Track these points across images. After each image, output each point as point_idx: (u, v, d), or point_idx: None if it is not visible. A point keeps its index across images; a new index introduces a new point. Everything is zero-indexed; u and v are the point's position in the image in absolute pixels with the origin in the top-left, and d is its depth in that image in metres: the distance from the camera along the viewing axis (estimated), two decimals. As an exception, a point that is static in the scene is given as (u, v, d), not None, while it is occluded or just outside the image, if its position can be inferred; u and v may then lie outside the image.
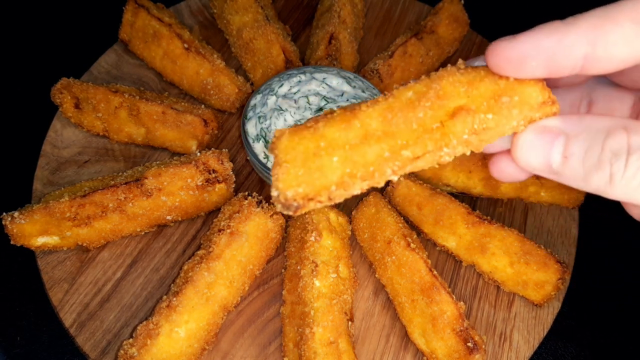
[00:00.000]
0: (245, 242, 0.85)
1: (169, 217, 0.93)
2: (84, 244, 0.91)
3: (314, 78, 1.01)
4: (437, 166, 0.54)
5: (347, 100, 0.98)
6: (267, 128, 0.96)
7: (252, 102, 1.01)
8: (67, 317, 0.87)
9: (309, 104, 0.97)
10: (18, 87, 1.21)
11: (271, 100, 0.99)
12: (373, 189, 1.03)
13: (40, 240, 0.89)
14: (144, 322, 0.79)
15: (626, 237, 1.08)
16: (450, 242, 0.93)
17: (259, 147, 0.96)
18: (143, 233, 0.95)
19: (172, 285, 0.86)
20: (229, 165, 0.94)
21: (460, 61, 0.55)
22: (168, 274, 0.92)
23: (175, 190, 0.91)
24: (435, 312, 0.81)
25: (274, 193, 0.52)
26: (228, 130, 1.10)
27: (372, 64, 1.11)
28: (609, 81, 0.62)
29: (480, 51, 1.26)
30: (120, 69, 1.16)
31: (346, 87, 1.01)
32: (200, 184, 0.91)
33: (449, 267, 0.96)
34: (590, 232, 1.03)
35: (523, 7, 1.48)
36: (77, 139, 1.06)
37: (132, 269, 0.92)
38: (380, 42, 1.26)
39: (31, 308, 0.93)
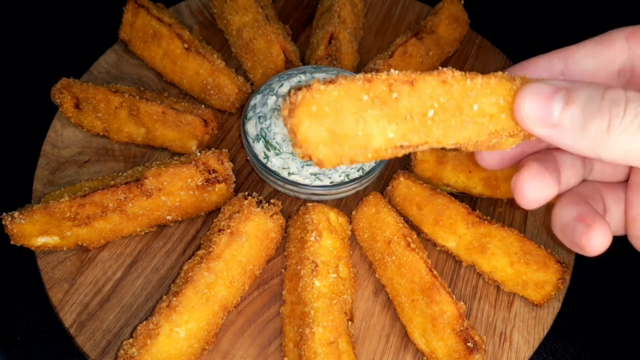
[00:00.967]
0: (245, 242, 0.85)
1: (169, 217, 0.93)
2: (84, 244, 0.91)
3: (314, 78, 1.01)
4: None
5: None
6: (267, 128, 0.96)
7: (252, 102, 1.01)
8: (67, 317, 0.87)
9: None
10: (18, 87, 1.21)
11: (271, 100, 0.99)
12: (373, 189, 1.03)
13: (40, 240, 0.89)
14: (144, 322, 0.79)
15: (626, 237, 1.08)
16: (450, 242, 0.93)
17: (259, 147, 0.96)
18: (143, 233, 0.95)
19: (172, 285, 0.86)
20: (229, 165, 0.94)
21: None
22: (168, 274, 0.92)
23: (175, 190, 0.91)
24: (435, 312, 0.81)
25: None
26: (228, 130, 1.10)
27: (372, 64, 1.11)
28: None
29: (481, 51, 1.26)
30: (120, 69, 1.16)
31: None
32: (200, 184, 0.91)
33: (449, 267, 0.96)
34: (590, 232, 1.03)
35: (523, 7, 1.48)
36: (77, 139, 1.06)
37: (132, 269, 0.92)
38: (380, 42, 1.26)
39: (31, 308, 0.93)
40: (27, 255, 0.93)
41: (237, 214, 0.86)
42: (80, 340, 0.85)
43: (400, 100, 0.54)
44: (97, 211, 0.88)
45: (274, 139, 0.95)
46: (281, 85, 1.01)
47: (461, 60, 1.24)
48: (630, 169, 0.63)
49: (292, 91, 0.52)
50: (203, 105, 1.06)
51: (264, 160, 0.95)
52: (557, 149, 0.64)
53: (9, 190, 1.03)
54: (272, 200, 0.90)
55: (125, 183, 0.89)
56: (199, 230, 0.97)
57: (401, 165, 1.08)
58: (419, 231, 0.96)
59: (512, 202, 1.03)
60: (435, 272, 0.84)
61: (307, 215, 0.88)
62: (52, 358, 0.89)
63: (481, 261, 0.91)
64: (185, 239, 0.96)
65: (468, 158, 0.97)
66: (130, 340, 0.78)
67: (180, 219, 0.95)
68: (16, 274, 0.96)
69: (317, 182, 0.94)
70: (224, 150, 0.94)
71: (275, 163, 0.95)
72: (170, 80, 1.12)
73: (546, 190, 0.61)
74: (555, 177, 0.62)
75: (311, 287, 0.81)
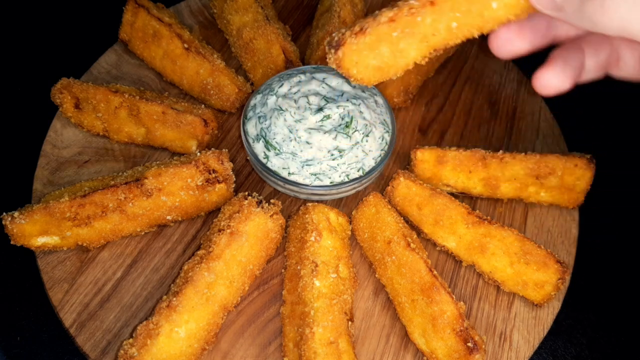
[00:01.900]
0: (245, 242, 0.85)
1: (169, 217, 0.93)
2: (84, 244, 0.91)
3: (314, 78, 1.01)
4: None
5: (347, 99, 0.98)
6: (267, 128, 0.96)
7: (252, 102, 1.01)
8: (67, 317, 0.87)
9: (309, 104, 0.97)
10: (18, 87, 1.22)
11: (271, 100, 0.99)
12: (373, 189, 1.03)
13: (40, 240, 0.89)
14: (144, 322, 0.79)
15: (626, 237, 1.08)
16: (450, 242, 0.93)
17: (259, 147, 0.96)
18: (143, 233, 0.95)
19: (172, 285, 0.86)
20: (229, 165, 0.94)
21: None
22: (168, 274, 0.92)
23: (175, 190, 0.91)
24: (435, 312, 0.81)
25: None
26: (228, 130, 1.10)
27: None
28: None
29: (480, 51, 1.26)
30: (120, 69, 1.16)
31: (346, 87, 1.01)
32: (200, 184, 0.91)
33: (449, 267, 0.96)
34: (590, 232, 1.03)
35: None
36: (77, 139, 1.06)
37: (132, 269, 0.92)
38: (380, 42, 1.26)
39: (31, 308, 0.93)
40: (27, 255, 0.93)
41: (237, 214, 0.86)
42: (80, 340, 0.85)
43: (425, 21, 0.64)
44: (97, 211, 0.88)
45: (274, 139, 0.95)
46: (281, 85, 1.01)
47: (461, 60, 1.24)
48: None
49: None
50: (203, 105, 1.06)
51: (264, 160, 0.95)
52: (585, 40, 0.69)
53: (9, 190, 1.03)
54: (272, 200, 0.90)
55: (125, 183, 0.89)
56: (199, 230, 0.97)
57: (401, 165, 1.08)
58: (419, 231, 0.96)
59: (511, 201, 1.04)
60: (435, 272, 0.84)
61: (307, 215, 0.88)
62: (52, 358, 0.89)
63: (481, 261, 0.91)
64: (185, 239, 0.96)
65: (468, 158, 0.97)
66: (130, 340, 0.78)
67: (180, 219, 0.95)
68: (16, 274, 0.96)
69: (317, 182, 0.94)
70: (224, 150, 0.94)
71: (275, 163, 0.95)
72: (170, 80, 1.12)
73: (563, 83, 0.66)
74: (572, 73, 0.66)
75: (311, 287, 0.81)
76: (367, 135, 0.96)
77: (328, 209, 0.90)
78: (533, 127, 1.14)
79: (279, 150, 0.94)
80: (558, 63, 0.67)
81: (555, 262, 0.88)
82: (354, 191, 1.00)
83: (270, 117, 0.97)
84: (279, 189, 1.00)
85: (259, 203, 0.88)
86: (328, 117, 0.95)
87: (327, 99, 0.98)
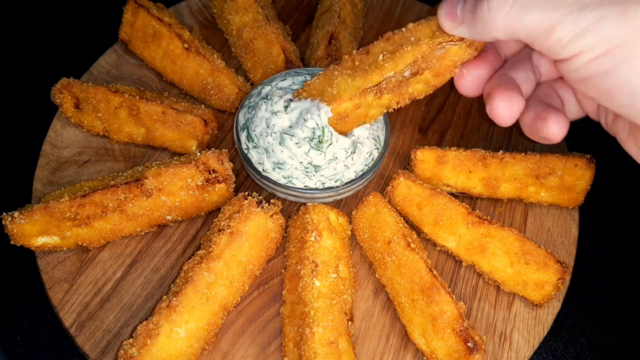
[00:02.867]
0: (245, 242, 0.85)
1: (169, 217, 0.93)
2: (84, 244, 0.91)
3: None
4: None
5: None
6: (251, 118, 0.95)
7: (252, 92, 1.01)
8: (67, 317, 0.87)
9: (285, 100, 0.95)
10: (18, 87, 1.22)
11: (265, 90, 0.98)
12: (373, 189, 1.03)
13: (40, 240, 0.89)
14: (144, 322, 0.79)
15: (626, 236, 1.08)
16: (450, 242, 0.93)
17: (243, 137, 0.96)
18: (143, 233, 0.95)
19: (172, 285, 0.86)
20: (229, 165, 0.94)
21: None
22: (168, 274, 0.92)
23: (175, 190, 0.91)
24: (435, 312, 0.81)
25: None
26: (228, 130, 1.10)
27: (372, 64, 1.11)
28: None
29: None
30: (120, 69, 1.16)
31: None
32: (200, 184, 0.91)
33: (449, 267, 0.96)
34: (590, 232, 1.03)
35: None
36: (77, 139, 1.06)
37: (132, 269, 0.92)
38: (380, 42, 1.26)
39: (31, 308, 0.93)
40: (27, 255, 0.93)
41: (237, 214, 0.86)
42: (80, 340, 0.85)
43: (362, 64, 0.86)
44: (97, 211, 0.88)
45: (254, 130, 0.94)
46: (284, 80, 1.00)
47: (461, 60, 1.24)
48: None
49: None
50: (203, 105, 1.06)
51: (245, 151, 0.95)
52: (509, 69, 0.82)
53: (9, 190, 1.03)
54: (272, 200, 0.90)
55: (125, 183, 0.89)
56: (199, 230, 0.97)
57: (401, 165, 1.08)
58: (419, 231, 0.96)
59: (511, 201, 1.04)
60: (435, 272, 0.84)
61: (307, 215, 0.88)
62: (52, 358, 0.89)
63: (481, 261, 0.91)
64: (185, 239, 0.96)
65: (468, 158, 0.97)
66: (130, 340, 0.78)
67: (180, 219, 0.95)
68: (16, 274, 0.96)
69: (290, 184, 0.93)
70: (224, 150, 0.94)
71: (253, 155, 0.94)
72: (170, 80, 1.12)
73: (516, 105, 0.76)
74: (519, 93, 0.77)
75: (311, 287, 0.81)
76: (354, 153, 0.93)
77: (328, 209, 0.90)
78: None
79: (256, 143, 0.94)
80: (501, 94, 0.76)
81: (555, 262, 0.88)
82: (353, 191, 1.00)
83: (255, 107, 0.96)
84: (258, 182, 0.99)
85: (259, 203, 0.88)
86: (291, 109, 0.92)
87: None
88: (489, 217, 0.92)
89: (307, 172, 0.92)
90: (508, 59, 0.86)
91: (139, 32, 1.12)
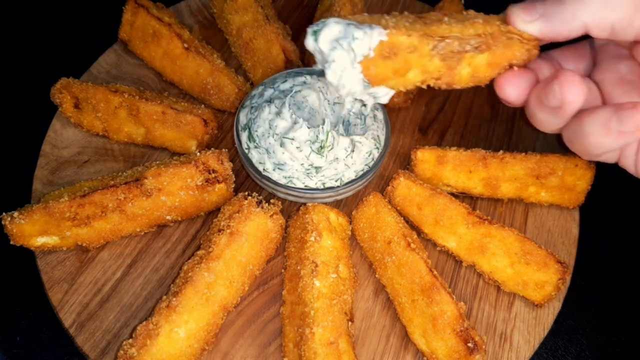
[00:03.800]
0: (245, 242, 0.85)
1: (168, 217, 0.93)
2: (84, 244, 0.91)
3: (319, 81, 1.00)
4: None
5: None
6: (253, 119, 0.96)
7: (253, 92, 1.01)
8: (67, 317, 0.87)
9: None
10: (18, 87, 1.21)
11: (268, 92, 0.99)
12: (373, 189, 1.03)
13: (40, 240, 0.89)
14: (144, 323, 0.79)
15: (626, 237, 1.08)
16: (450, 242, 0.93)
17: (244, 137, 0.96)
18: (143, 233, 0.95)
19: (171, 285, 0.86)
20: (228, 165, 0.94)
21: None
22: (168, 274, 0.92)
23: (175, 190, 0.90)
24: (436, 312, 0.81)
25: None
26: (228, 130, 1.10)
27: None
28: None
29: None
30: (120, 69, 1.15)
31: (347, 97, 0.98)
32: (200, 184, 0.91)
33: (449, 267, 0.96)
34: (590, 232, 1.03)
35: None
36: (76, 139, 1.06)
37: (131, 269, 0.92)
38: (380, 42, 1.25)
39: (31, 308, 0.93)
40: (27, 255, 0.93)
41: (237, 214, 0.86)
42: (80, 340, 0.85)
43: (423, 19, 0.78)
44: (96, 211, 0.88)
45: (256, 131, 0.94)
46: (284, 82, 1.00)
47: (461, 60, 1.24)
48: None
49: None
50: (203, 105, 1.06)
51: (246, 151, 0.95)
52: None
53: (9, 190, 1.03)
54: (272, 200, 0.90)
55: (125, 183, 0.89)
56: (198, 230, 0.97)
57: (401, 165, 1.08)
58: (419, 231, 0.95)
59: (512, 202, 1.03)
60: (435, 272, 0.84)
61: (307, 216, 0.88)
62: (52, 358, 0.89)
63: (481, 261, 0.91)
64: (185, 239, 0.96)
65: (468, 158, 0.97)
66: (130, 340, 0.78)
67: (180, 219, 0.95)
68: (16, 274, 0.96)
69: (290, 184, 0.93)
70: (223, 150, 0.94)
71: (254, 155, 0.94)
72: (170, 80, 1.12)
73: (521, 86, 0.77)
74: (528, 78, 0.77)
75: (311, 287, 0.81)
76: (353, 151, 0.93)
77: (328, 209, 0.90)
78: (533, 127, 1.14)
79: (257, 143, 0.94)
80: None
81: (556, 262, 0.88)
82: (353, 191, 1.00)
83: (258, 109, 0.96)
84: (258, 182, 0.99)
85: (259, 203, 0.88)
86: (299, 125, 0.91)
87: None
88: (489, 217, 0.92)
89: (308, 172, 0.92)
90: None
91: (138, 31, 1.11)
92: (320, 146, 0.90)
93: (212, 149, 0.95)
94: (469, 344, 0.79)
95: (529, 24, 0.75)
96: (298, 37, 1.25)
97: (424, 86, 0.79)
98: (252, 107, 0.98)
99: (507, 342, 0.89)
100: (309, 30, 0.78)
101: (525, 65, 0.79)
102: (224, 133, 1.09)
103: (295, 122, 0.91)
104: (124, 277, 0.92)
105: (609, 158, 0.79)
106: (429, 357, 0.83)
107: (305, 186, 0.93)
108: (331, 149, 0.90)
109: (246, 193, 0.90)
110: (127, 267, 0.92)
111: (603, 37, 0.74)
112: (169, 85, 1.14)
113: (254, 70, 1.14)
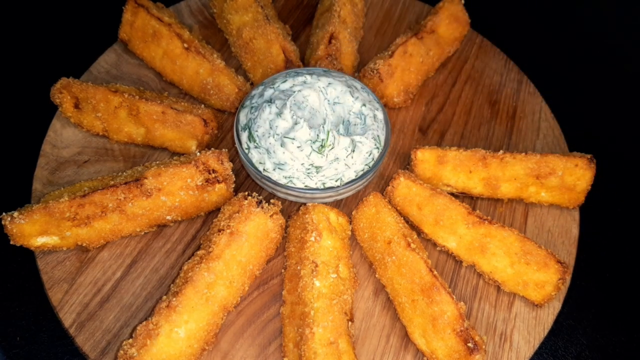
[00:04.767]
0: (245, 242, 0.85)
1: (168, 217, 0.93)
2: (84, 244, 0.91)
3: (319, 81, 1.00)
4: None
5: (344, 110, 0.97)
6: (253, 119, 0.96)
7: (253, 92, 1.01)
8: (67, 317, 0.87)
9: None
10: (18, 87, 1.21)
11: (268, 92, 0.99)
12: (373, 189, 1.03)
13: (40, 240, 0.89)
14: (144, 323, 0.79)
15: (626, 237, 1.08)
16: (450, 242, 0.93)
17: (244, 137, 0.96)
18: (143, 233, 0.95)
19: (171, 285, 0.86)
20: (228, 165, 0.94)
21: None
22: (168, 274, 0.92)
23: (175, 190, 0.90)
24: (436, 313, 0.81)
25: None
26: (228, 130, 1.10)
27: (372, 63, 1.11)
28: None
29: (481, 51, 1.26)
30: (120, 69, 1.15)
31: (346, 98, 0.99)
32: (200, 184, 0.91)
33: (449, 268, 0.96)
34: (590, 232, 1.03)
35: (523, 6, 1.48)
36: (76, 139, 1.06)
37: (131, 269, 0.92)
38: (380, 42, 1.26)
39: (31, 308, 0.93)
40: (27, 255, 0.93)
41: (237, 214, 0.86)
42: (80, 340, 0.85)
43: None
44: (96, 211, 0.88)
45: (257, 131, 0.94)
46: (284, 82, 1.00)
47: (461, 60, 1.24)
48: None
49: None
50: (203, 105, 1.06)
51: (246, 151, 0.95)
52: None
53: (9, 190, 1.03)
54: (272, 200, 0.90)
55: (125, 183, 0.89)
56: (198, 230, 0.97)
57: (401, 165, 1.08)
58: (419, 231, 0.95)
59: (512, 202, 1.03)
60: (435, 272, 0.84)
61: (307, 216, 0.88)
62: (51, 358, 0.89)
63: (481, 261, 0.91)
64: (185, 239, 0.96)
65: (468, 158, 0.97)
66: (130, 340, 0.78)
67: (180, 219, 0.95)
68: (16, 274, 0.96)
69: (290, 184, 0.93)
70: (223, 150, 0.94)
71: (254, 155, 0.94)
72: (170, 80, 1.12)
73: None
74: None
75: (311, 287, 0.81)
76: (353, 151, 0.93)
77: (328, 209, 0.90)
78: (533, 127, 1.14)
79: (257, 143, 0.94)
80: None
81: (556, 262, 0.88)
82: (353, 191, 1.00)
83: (259, 109, 0.96)
84: (258, 182, 0.99)
85: (259, 203, 0.88)
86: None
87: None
88: (489, 217, 0.92)
89: (308, 172, 0.92)
90: None
91: (138, 31, 1.11)
92: (321, 145, 0.90)
93: (212, 149, 0.95)
94: (469, 344, 0.79)
95: None
96: (298, 37, 1.25)
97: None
98: (252, 107, 0.98)
99: (507, 342, 0.89)
100: None
101: None
102: (224, 133, 1.09)
103: (296, 123, 0.92)
104: (124, 277, 0.92)
105: None
106: (429, 357, 0.83)
107: (306, 186, 0.93)
108: (332, 148, 0.91)
109: (246, 193, 0.90)
110: (127, 267, 0.93)
111: None
112: (169, 85, 1.14)
113: (254, 70, 1.14)
